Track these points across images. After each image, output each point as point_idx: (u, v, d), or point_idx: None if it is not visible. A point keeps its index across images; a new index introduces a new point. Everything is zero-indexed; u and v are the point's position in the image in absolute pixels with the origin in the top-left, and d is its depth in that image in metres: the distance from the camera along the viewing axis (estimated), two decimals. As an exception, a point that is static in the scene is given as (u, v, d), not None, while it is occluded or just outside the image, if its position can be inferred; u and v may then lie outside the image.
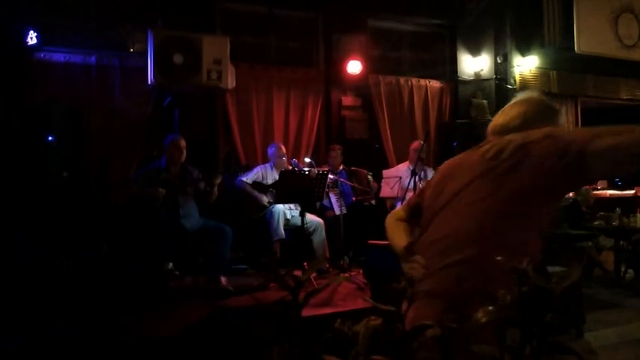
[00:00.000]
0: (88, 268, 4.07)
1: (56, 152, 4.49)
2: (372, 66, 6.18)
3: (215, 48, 4.68)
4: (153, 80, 4.53)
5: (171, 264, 4.33)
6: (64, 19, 4.95)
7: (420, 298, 1.14)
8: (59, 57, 4.87)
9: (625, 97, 7.67)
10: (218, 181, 4.10)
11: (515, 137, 1.35)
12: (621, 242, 5.26)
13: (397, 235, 1.54)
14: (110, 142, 4.99)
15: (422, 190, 1.61)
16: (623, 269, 5.25)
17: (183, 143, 4.21)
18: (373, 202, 5.35)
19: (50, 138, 4.63)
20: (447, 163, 1.55)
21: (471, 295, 1.09)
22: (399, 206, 1.64)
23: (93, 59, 4.97)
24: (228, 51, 4.76)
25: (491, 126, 1.56)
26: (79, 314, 3.29)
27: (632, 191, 7.41)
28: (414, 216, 1.58)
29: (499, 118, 1.55)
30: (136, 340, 2.90)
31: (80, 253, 4.17)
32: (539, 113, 1.48)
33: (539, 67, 7.00)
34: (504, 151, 1.32)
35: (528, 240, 1.28)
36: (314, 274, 4.18)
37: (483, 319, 0.62)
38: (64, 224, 4.32)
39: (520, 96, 1.57)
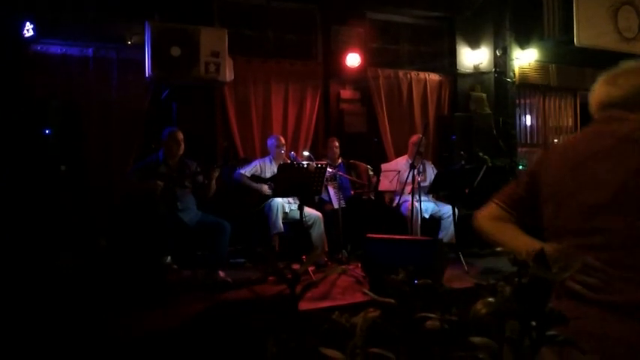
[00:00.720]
0: (86, 262, 4.07)
1: (53, 146, 4.47)
2: (371, 59, 6.15)
3: (213, 40, 4.66)
4: (150, 73, 4.50)
5: (169, 258, 4.32)
6: (61, 11, 4.91)
7: (604, 312, 1.09)
8: (56, 49, 4.84)
9: (624, 91, 7.64)
10: (216, 174, 4.09)
11: None
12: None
13: (516, 237, 1.33)
14: (108, 135, 4.97)
15: (527, 182, 1.39)
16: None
17: (180, 136, 4.19)
18: (372, 195, 5.35)
19: (47, 131, 4.61)
20: (564, 146, 1.37)
21: None
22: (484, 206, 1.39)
23: (90, 51, 4.94)
24: (226, 43, 4.73)
25: (602, 98, 1.38)
26: (78, 309, 3.29)
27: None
28: (518, 211, 1.40)
29: (612, 90, 1.36)
30: (135, 334, 2.90)
31: (78, 247, 4.16)
32: None
33: (538, 61, 6.98)
34: None
35: None
36: (312, 268, 4.19)
37: (483, 311, 0.61)
38: (61, 218, 4.30)
39: (628, 65, 1.40)
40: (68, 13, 4.92)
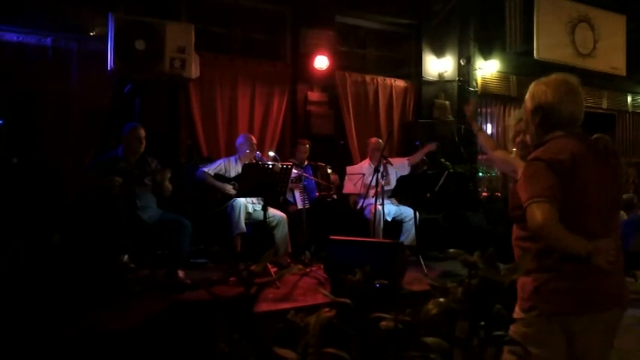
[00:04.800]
0: (38, 259, 3.90)
1: (5, 137, 4.27)
2: (339, 62, 6.19)
3: (179, 36, 4.56)
4: (113, 66, 4.37)
5: (127, 256, 4.20)
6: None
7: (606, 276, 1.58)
8: (12, 36, 4.62)
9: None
10: (168, 175, 3.98)
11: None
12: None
13: (576, 239, 1.51)
14: (65, 128, 4.78)
15: (559, 180, 1.54)
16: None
17: (142, 133, 4.08)
18: (335, 196, 5.35)
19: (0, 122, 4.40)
20: (583, 154, 1.61)
21: None
22: (542, 208, 1.50)
23: (49, 41, 4.74)
24: (193, 39, 4.65)
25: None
26: (29, 308, 3.15)
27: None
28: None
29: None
30: (90, 335, 2.80)
31: (29, 243, 3.98)
32: None
33: (500, 72, 7.22)
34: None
35: None
36: (275, 269, 4.17)
37: (434, 311, 0.62)
38: (11, 213, 4.11)
39: (574, 80, 1.69)
40: None
